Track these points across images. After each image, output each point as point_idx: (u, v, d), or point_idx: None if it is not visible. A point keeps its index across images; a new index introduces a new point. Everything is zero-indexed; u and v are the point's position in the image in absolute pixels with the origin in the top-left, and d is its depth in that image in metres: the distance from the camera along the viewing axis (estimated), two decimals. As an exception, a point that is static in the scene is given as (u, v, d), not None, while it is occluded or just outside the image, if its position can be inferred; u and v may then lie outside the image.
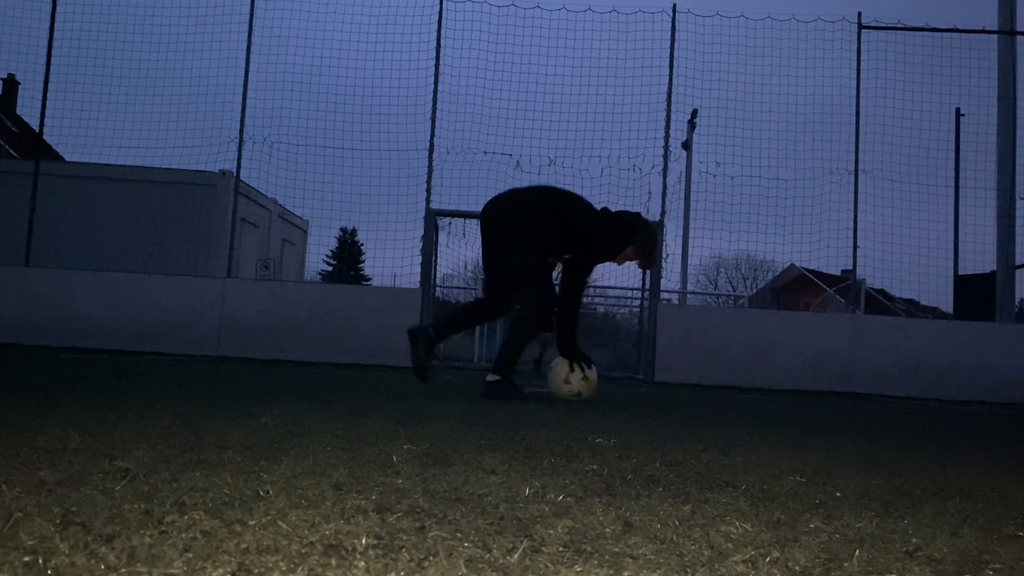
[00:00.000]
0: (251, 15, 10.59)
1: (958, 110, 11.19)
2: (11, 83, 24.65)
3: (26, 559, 0.89)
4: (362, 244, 25.71)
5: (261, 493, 1.35)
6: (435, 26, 10.43)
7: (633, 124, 10.31)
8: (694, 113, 12.90)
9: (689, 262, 17.74)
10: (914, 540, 1.29)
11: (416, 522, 1.20)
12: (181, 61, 10.92)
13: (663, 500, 1.52)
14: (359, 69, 10.62)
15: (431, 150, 10.14)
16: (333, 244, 28.61)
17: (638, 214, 4.81)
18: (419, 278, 10.00)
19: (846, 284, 11.98)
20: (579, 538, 1.17)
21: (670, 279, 12.04)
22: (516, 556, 1.04)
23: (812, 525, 1.37)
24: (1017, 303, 11.85)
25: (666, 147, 10.17)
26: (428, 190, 10.04)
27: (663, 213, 10.07)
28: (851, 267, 10.39)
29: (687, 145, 14.23)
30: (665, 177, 10.11)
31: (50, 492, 1.26)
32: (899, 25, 10.55)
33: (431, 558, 1.00)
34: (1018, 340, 9.80)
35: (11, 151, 22.19)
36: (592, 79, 10.72)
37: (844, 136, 10.36)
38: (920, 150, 10.57)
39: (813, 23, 10.39)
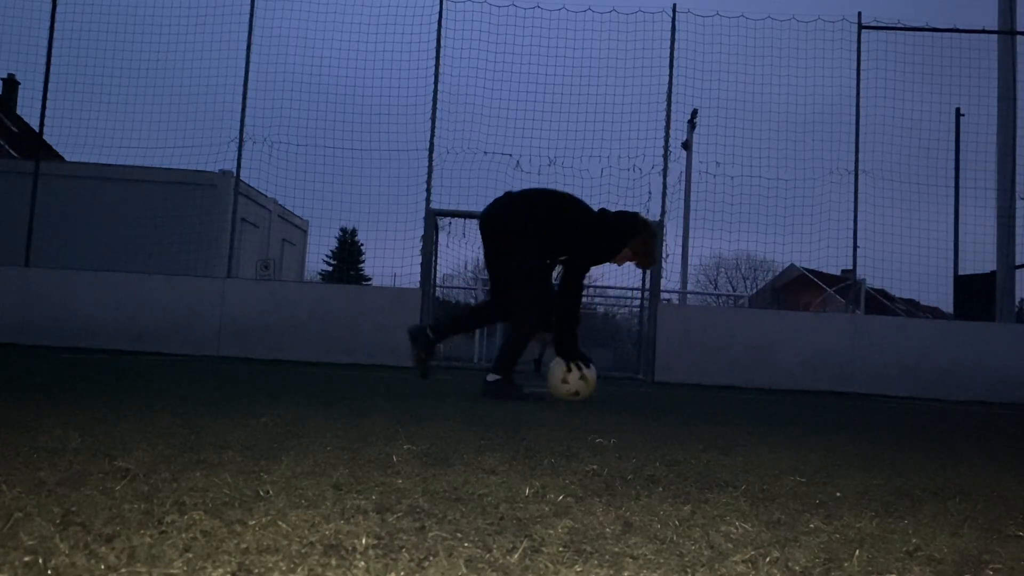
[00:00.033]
0: (251, 15, 10.59)
1: (958, 110, 11.19)
2: (11, 83, 24.66)
3: (26, 559, 0.89)
4: (362, 244, 25.76)
5: (261, 493, 1.35)
6: (435, 26, 10.44)
7: (633, 124, 10.33)
8: (694, 113, 12.90)
9: (689, 262, 17.76)
10: (914, 540, 1.29)
11: (416, 522, 1.20)
12: (181, 61, 10.93)
13: (663, 500, 1.52)
14: (359, 69, 10.64)
15: (431, 150, 10.14)
16: (333, 244, 28.67)
17: (636, 214, 4.82)
18: (419, 278, 10.00)
19: (846, 284, 11.98)
20: (579, 538, 1.17)
21: (670, 279, 12.06)
22: (516, 556, 1.04)
23: (812, 525, 1.37)
24: (1017, 303, 11.85)
25: (666, 147, 10.17)
26: (428, 190, 10.05)
27: (663, 213, 10.08)
28: (851, 267, 10.39)
29: (687, 145, 14.24)
30: (665, 177, 10.12)
31: (50, 492, 1.26)
32: (899, 25, 10.55)
33: (431, 558, 1.00)
34: (1018, 340, 9.80)
35: (11, 151, 22.19)
36: (592, 79, 10.73)
37: (844, 136, 10.38)
38: (920, 150, 10.59)
39: (813, 23, 10.41)
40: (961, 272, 11.22)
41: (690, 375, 9.57)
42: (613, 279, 15.36)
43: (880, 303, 17.65)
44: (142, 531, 1.05)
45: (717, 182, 10.39)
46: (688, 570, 1.03)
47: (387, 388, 5.02)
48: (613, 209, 4.86)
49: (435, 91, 10.25)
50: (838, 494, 1.71)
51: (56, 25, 10.85)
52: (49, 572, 0.86)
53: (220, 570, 0.90)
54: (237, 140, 10.34)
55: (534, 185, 5.40)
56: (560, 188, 4.99)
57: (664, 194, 10.09)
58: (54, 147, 15.48)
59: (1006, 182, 10.93)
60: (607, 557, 1.07)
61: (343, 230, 22.18)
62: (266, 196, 15.05)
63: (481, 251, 4.91)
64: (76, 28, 10.92)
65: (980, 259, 11.23)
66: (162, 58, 11.09)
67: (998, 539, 1.34)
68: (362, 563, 0.96)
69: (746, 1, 11.46)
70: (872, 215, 10.26)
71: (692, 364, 9.66)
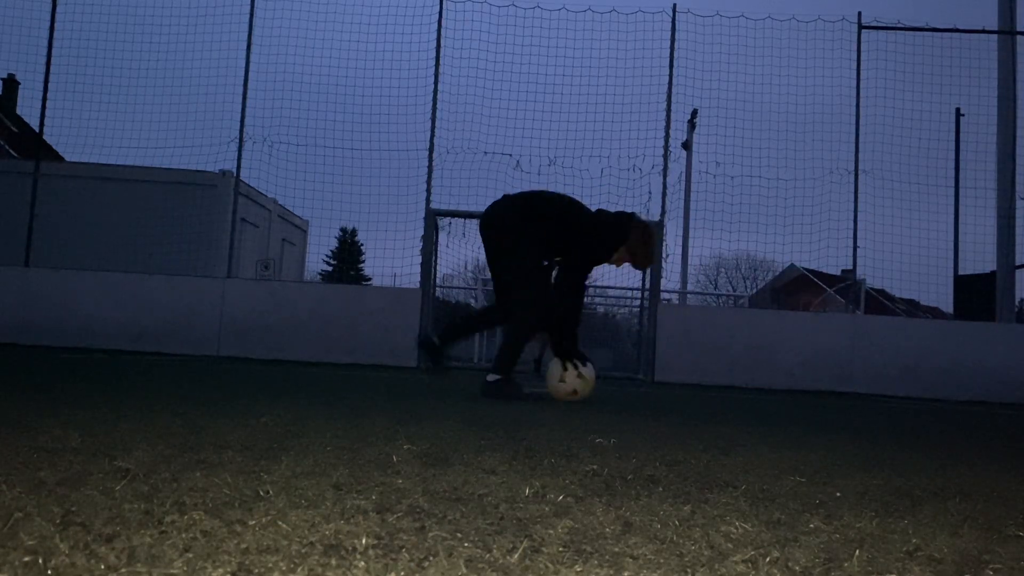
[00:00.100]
0: (251, 15, 10.59)
1: (958, 110, 11.19)
2: (11, 83, 24.65)
3: (26, 559, 0.89)
4: (362, 244, 25.73)
5: (261, 493, 1.35)
6: (435, 26, 10.44)
7: (633, 124, 10.33)
8: (694, 113, 12.90)
9: (689, 262, 17.77)
10: (914, 540, 1.29)
11: (416, 522, 1.20)
12: (181, 61, 10.93)
13: (663, 500, 1.52)
14: (359, 69, 10.63)
15: (431, 150, 10.14)
16: (333, 244, 28.65)
17: (632, 215, 4.82)
18: (419, 278, 10.00)
19: (846, 284, 11.98)
20: (579, 538, 1.17)
21: (670, 279, 12.05)
22: (516, 556, 1.04)
23: (812, 525, 1.37)
24: (1017, 303, 11.85)
25: (666, 147, 10.17)
26: (428, 190, 10.05)
27: (663, 213, 10.08)
28: (851, 267, 10.39)
29: (687, 145, 14.23)
30: (665, 177, 10.12)
31: (50, 492, 1.26)
32: (899, 25, 10.55)
33: (431, 558, 1.00)
34: (1018, 340, 9.80)
35: (11, 151, 22.19)
36: (592, 79, 10.72)
37: (844, 136, 10.38)
38: (920, 150, 10.58)
39: (813, 23, 10.41)
40: (961, 272, 11.22)
41: (690, 375, 9.57)
42: (613, 279, 15.36)
43: (880, 303, 17.65)
44: (142, 531, 1.05)
45: (717, 182, 10.39)
46: (688, 570, 1.03)
47: (387, 388, 5.02)
48: (613, 210, 4.87)
49: (435, 91, 10.26)
50: (838, 494, 1.71)
51: (56, 25, 10.85)
52: (49, 572, 0.86)
53: (220, 570, 0.90)
54: (237, 140, 10.35)
55: (534, 185, 5.41)
56: (560, 188, 5.01)
57: (664, 194, 10.10)
58: (54, 147, 15.48)
59: (1006, 182, 10.93)
60: (607, 557, 1.07)
61: (343, 230, 22.18)
62: (266, 196, 15.03)
63: (482, 252, 4.93)
64: (76, 28, 10.92)
65: (980, 259, 11.24)
66: (162, 58, 11.09)
67: (998, 539, 1.34)
68: (362, 563, 0.96)
69: (746, 1, 11.47)
70: (872, 215, 10.27)
71: (692, 364, 9.66)
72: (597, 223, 4.73)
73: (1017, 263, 11.10)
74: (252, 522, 1.13)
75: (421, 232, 10.02)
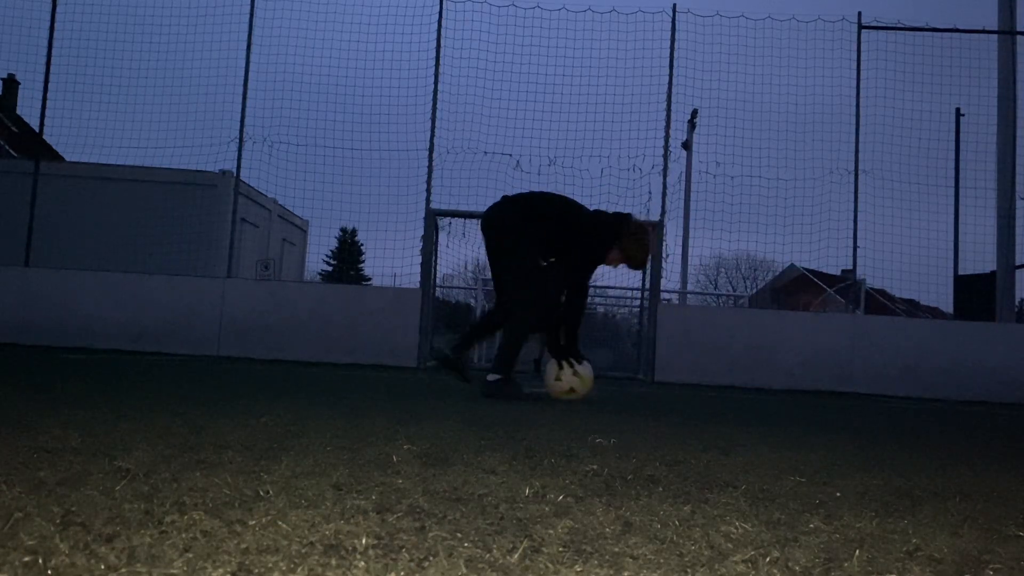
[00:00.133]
0: (251, 15, 10.59)
1: (958, 110, 11.19)
2: (11, 83, 24.64)
3: (26, 559, 0.89)
4: (362, 244, 25.74)
5: (261, 493, 1.35)
6: (435, 26, 10.44)
7: (633, 124, 10.32)
8: (694, 113, 12.90)
9: (689, 262, 17.76)
10: (914, 540, 1.29)
11: (416, 522, 1.20)
12: (181, 61, 10.93)
13: (663, 500, 1.52)
14: (359, 69, 10.63)
15: (431, 150, 10.14)
16: (333, 244, 28.67)
17: (626, 215, 4.81)
18: (419, 278, 10.00)
19: (846, 284, 11.98)
20: (579, 538, 1.17)
21: (670, 279, 12.04)
22: (516, 556, 1.04)
23: (812, 525, 1.37)
24: (1017, 303, 11.85)
25: (666, 147, 10.17)
26: (428, 190, 10.05)
27: (663, 213, 10.08)
28: (851, 267, 10.39)
29: (687, 145, 14.23)
30: (665, 177, 10.11)
31: (50, 492, 1.26)
32: (899, 25, 10.55)
33: (431, 558, 1.00)
34: (1018, 340, 9.80)
35: (11, 151, 22.19)
36: (592, 79, 10.71)
37: (844, 136, 10.37)
38: (920, 150, 10.58)
39: (813, 23, 10.40)
40: (961, 272, 11.21)
41: (690, 375, 9.57)
42: (613, 279, 15.33)
43: (880, 303, 17.65)
44: (142, 531, 1.05)
45: (717, 182, 10.39)
46: (688, 570, 1.03)
47: (387, 388, 5.02)
48: (611, 211, 4.89)
49: (435, 91, 10.25)
50: (838, 494, 1.71)
51: (56, 25, 10.84)
52: (49, 572, 0.86)
53: (220, 570, 0.90)
54: (237, 140, 10.34)
55: (534, 185, 5.42)
56: (560, 188, 5.02)
57: (664, 194, 10.09)
58: (54, 147, 15.48)
59: (1006, 182, 10.93)
60: (607, 557, 1.07)
61: (343, 230, 22.20)
62: (266, 196, 15.03)
63: (482, 251, 4.95)
64: (76, 28, 10.91)
65: (980, 259, 11.23)
66: (162, 58, 11.09)
67: (998, 539, 1.34)
68: (362, 563, 0.96)
69: (746, 1, 11.46)
70: (872, 215, 10.26)
71: (692, 364, 9.66)
72: (596, 223, 4.74)
73: (1017, 263, 11.10)
74: (252, 522, 1.13)
75: (421, 232, 10.02)
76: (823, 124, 10.58)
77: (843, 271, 11.73)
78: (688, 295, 19.21)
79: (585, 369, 4.67)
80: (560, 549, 1.09)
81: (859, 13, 10.46)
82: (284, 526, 1.12)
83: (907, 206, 10.43)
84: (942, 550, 1.22)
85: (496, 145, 10.29)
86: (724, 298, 30.77)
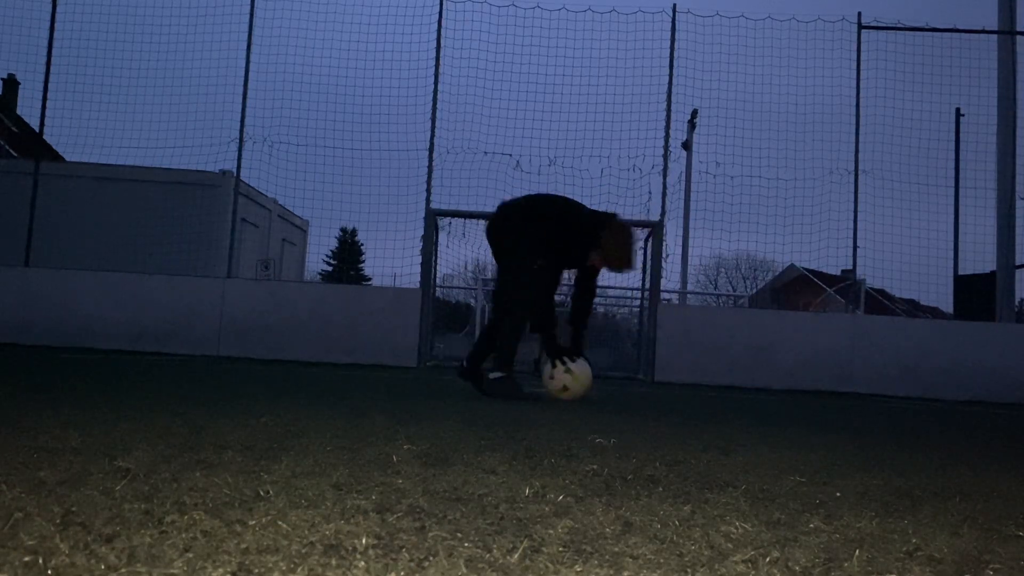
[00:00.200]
0: (251, 15, 10.59)
1: (958, 110, 11.18)
2: (11, 83, 24.64)
3: (26, 559, 0.89)
4: (362, 244, 25.74)
5: (261, 493, 1.35)
6: (435, 26, 10.43)
7: (633, 124, 10.31)
8: (694, 113, 12.89)
9: (689, 262, 17.75)
10: (914, 540, 1.29)
11: (416, 522, 1.20)
12: (181, 61, 10.92)
13: (663, 500, 1.52)
14: (359, 69, 10.62)
15: (431, 150, 10.14)
16: (333, 244, 28.65)
17: (612, 216, 4.77)
18: (419, 278, 10.00)
19: (846, 284, 11.98)
20: (579, 538, 1.17)
21: (670, 279, 12.02)
22: (516, 556, 1.04)
23: (812, 525, 1.37)
24: (1017, 303, 11.85)
25: (666, 147, 10.17)
26: (428, 190, 10.04)
27: (663, 213, 10.07)
28: (851, 267, 10.39)
29: (687, 145, 14.23)
30: (665, 177, 10.11)
31: (50, 492, 1.26)
32: (899, 25, 10.54)
33: (431, 558, 1.00)
34: (1018, 340, 9.80)
35: (11, 151, 22.19)
36: (592, 79, 10.71)
37: (844, 136, 10.36)
38: (920, 150, 10.57)
39: (813, 23, 10.40)
40: (961, 272, 11.21)
41: (690, 375, 9.57)
42: (613, 279, 15.32)
43: (880, 303, 17.65)
44: (142, 531, 1.05)
45: (717, 182, 10.38)
46: (688, 570, 1.03)
47: (387, 388, 5.03)
48: (610, 211, 4.90)
49: (435, 91, 10.25)
50: (838, 494, 1.71)
51: (56, 25, 10.84)
52: (49, 572, 0.86)
53: (220, 570, 0.90)
54: (237, 140, 10.34)
55: (534, 185, 5.43)
56: (560, 188, 5.02)
57: (664, 194, 10.09)
58: (54, 147, 15.47)
59: (1006, 182, 10.93)
60: (607, 557, 1.07)
61: (343, 230, 22.18)
62: (266, 196, 15.03)
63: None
64: (76, 28, 10.91)
65: (980, 259, 11.22)
66: (162, 58, 11.08)
67: (998, 539, 1.34)
68: (362, 563, 0.96)
69: (746, 1, 11.46)
70: (872, 215, 10.25)
71: (692, 364, 9.65)
72: (592, 223, 4.76)
73: (1017, 263, 11.09)
74: (252, 522, 1.13)
75: (421, 232, 10.02)
76: (823, 124, 10.59)
77: (843, 271, 11.73)
78: (688, 295, 19.21)
79: (580, 367, 4.67)
80: (560, 549, 1.09)
81: (859, 13, 10.46)
82: (284, 526, 1.12)
83: (907, 206, 10.43)
84: (942, 550, 1.22)
85: (496, 145, 10.30)
86: (724, 298, 30.77)
